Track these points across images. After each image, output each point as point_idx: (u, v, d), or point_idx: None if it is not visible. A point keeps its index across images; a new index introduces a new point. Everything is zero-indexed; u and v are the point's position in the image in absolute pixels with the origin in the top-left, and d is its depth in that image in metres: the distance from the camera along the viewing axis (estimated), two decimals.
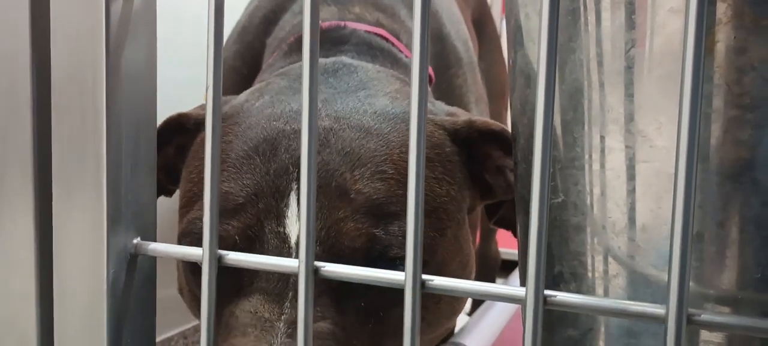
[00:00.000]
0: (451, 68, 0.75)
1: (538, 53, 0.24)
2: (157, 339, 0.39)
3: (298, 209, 0.44)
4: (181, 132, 0.54)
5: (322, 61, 0.55)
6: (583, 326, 0.31)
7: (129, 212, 0.33)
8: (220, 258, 0.31)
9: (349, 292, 0.44)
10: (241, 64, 0.72)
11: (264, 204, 0.44)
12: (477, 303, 1.26)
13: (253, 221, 0.44)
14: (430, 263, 0.47)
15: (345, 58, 0.57)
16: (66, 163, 0.33)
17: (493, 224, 0.60)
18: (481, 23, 1.10)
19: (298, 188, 0.44)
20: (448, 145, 0.50)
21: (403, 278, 0.27)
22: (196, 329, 0.96)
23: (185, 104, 0.62)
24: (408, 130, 0.45)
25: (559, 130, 0.31)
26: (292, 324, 0.42)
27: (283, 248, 0.44)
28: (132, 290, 0.34)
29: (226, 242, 0.44)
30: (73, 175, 0.33)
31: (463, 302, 0.57)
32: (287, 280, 0.43)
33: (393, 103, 0.50)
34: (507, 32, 0.36)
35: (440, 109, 0.55)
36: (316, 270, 0.29)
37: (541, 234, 0.25)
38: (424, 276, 0.27)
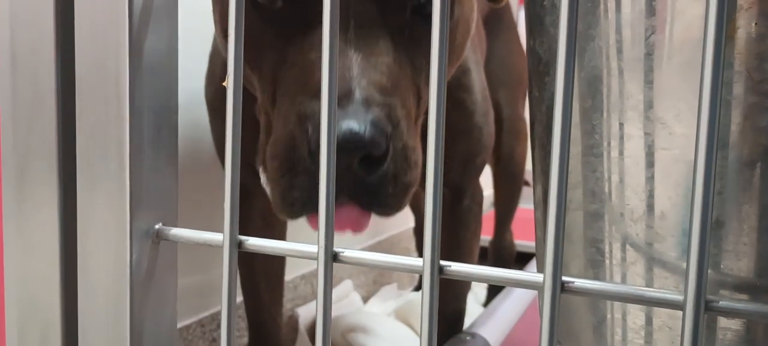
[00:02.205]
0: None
1: (558, 41, 0.24)
2: None
3: None
4: None
5: None
6: (600, 313, 0.31)
7: (151, 198, 0.34)
8: (240, 243, 0.31)
9: (396, 14, 0.49)
10: None
11: None
12: (492, 294, 1.26)
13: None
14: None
15: None
16: (90, 150, 0.33)
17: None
18: (499, 12, 1.10)
19: None
20: None
21: (421, 263, 0.28)
22: (214, 318, 0.97)
23: (199, 93, 0.62)
24: None
25: (577, 118, 0.31)
26: (358, 49, 0.46)
27: None
28: (154, 275, 0.35)
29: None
30: (96, 162, 0.33)
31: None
32: (347, 9, 0.46)
33: None
34: (526, 20, 0.36)
35: None
36: (336, 255, 0.29)
37: (559, 221, 0.25)
38: (442, 262, 0.28)
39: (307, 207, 0.46)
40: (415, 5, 0.50)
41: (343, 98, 0.44)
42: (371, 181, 0.45)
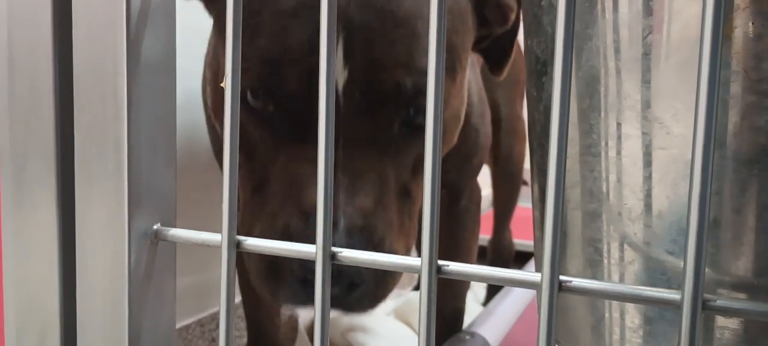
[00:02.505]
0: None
1: (555, 40, 0.24)
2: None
3: (343, 60, 0.49)
4: None
5: None
6: (598, 313, 0.31)
7: (149, 198, 0.34)
8: (238, 243, 0.31)
9: (383, 130, 0.51)
10: None
11: (315, 57, 0.48)
12: (491, 293, 1.26)
13: (305, 74, 0.48)
14: (445, 107, 0.53)
15: None
16: (88, 150, 0.33)
17: (473, 50, 0.64)
18: None
19: (343, 40, 0.49)
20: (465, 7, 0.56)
21: (419, 264, 0.28)
22: (213, 318, 0.97)
23: (197, 93, 0.62)
24: None
25: (575, 118, 0.31)
26: (346, 172, 0.48)
27: (336, 99, 0.47)
28: (152, 275, 0.35)
29: (283, 91, 0.48)
30: (94, 162, 0.33)
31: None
32: (339, 128, 0.48)
33: None
34: (523, 19, 0.36)
35: None
36: (334, 255, 0.29)
37: (556, 220, 0.25)
38: (440, 262, 0.28)
39: (294, 301, 0.49)
40: (404, 119, 0.51)
41: None
42: (350, 298, 0.49)
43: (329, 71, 0.28)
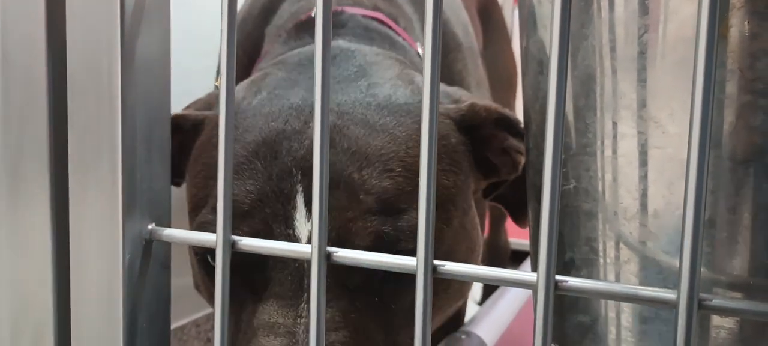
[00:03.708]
0: (451, 53, 0.75)
1: (551, 39, 0.24)
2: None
3: (306, 211, 0.44)
4: (179, 131, 0.52)
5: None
6: (594, 312, 0.31)
7: (144, 198, 0.34)
8: (233, 243, 0.31)
9: (361, 286, 0.45)
10: (241, 54, 0.71)
11: (271, 209, 0.44)
12: (487, 292, 1.27)
13: (260, 226, 0.44)
14: (438, 252, 0.47)
15: (342, 42, 0.57)
16: (82, 151, 0.33)
17: (491, 200, 0.61)
18: (488, 11, 1.10)
19: (303, 190, 0.44)
20: (454, 135, 0.51)
21: (414, 263, 0.28)
22: (208, 318, 0.97)
23: (197, 93, 0.62)
24: (413, 122, 0.48)
25: (571, 117, 0.31)
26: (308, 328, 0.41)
27: None
28: (147, 275, 0.35)
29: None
30: (89, 162, 0.33)
31: (470, 285, 0.58)
32: (300, 282, 0.43)
33: (396, 92, 0.50)
34: (519, 18, 0.36)
35: (442, 92, 0.55)
36: (329, 256, 0.29)
37: (552, 219, 0.25)
38: (436, 262, 0.28)
39: None
40: (383, 275, 0.45)
41: None
42: None
43: (325, 72, 0.28)
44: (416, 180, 0.42)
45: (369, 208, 0.44)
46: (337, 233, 0.43)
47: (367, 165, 0.45)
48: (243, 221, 0.44)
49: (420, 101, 0.49)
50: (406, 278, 0.44)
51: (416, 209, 0.41)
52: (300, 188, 0.44)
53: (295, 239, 0.44)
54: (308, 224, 0.44)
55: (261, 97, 0.50)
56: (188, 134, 0.53)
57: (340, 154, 0.45)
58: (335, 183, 0.44)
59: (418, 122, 0.48)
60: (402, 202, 0.45)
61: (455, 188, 0.49)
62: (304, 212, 0.44)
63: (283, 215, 0.44)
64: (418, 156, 0.45)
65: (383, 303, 0.46)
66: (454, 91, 0.56)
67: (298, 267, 0.44)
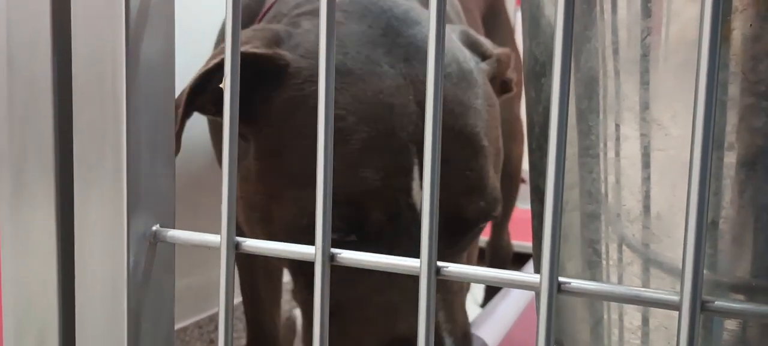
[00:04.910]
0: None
1: (554, 42, 0.24)
2: None
3: (421, 185, 0.50)
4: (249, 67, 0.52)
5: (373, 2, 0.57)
6: (597, 314, 0.31)
7: (148, 199, 0.34)
8: (237, 245, 0.31)
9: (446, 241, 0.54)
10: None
11: (397, 183, 0.51)
12: (490, 295, 1.26)
13: (389, 197, 0.51)
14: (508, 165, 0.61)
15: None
16: (87, 151, 0.33)
17: None
18: (493, 12, 1.10)
19: (418, 163, 0.52)
20: (494, 94, 0.60)
21: (418, 264, 0.28)
22: (211, 319, 0.97)
23: None
24: (481, 92, 0.56)
25: (574, 119, 0.31)
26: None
27: (416, 217, 0.51)
28: (151, 277, 0.35)
29: (372, 222, 0.51)
30: (93, 163, 0.33)
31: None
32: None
33: (460, 57, 0.56)
34: (522, 21, 0.36)
35: (466, 46, 0.61)
36: (333, 256, 0.29)
37: (555, 222, 0.25)
38: (439, 263, 0.28)
39: None
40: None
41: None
42: None
43: (328, 75, 0.28)
44: (493, 151, 0.55)
45: (472, 185, 0.53)
46: (449, 208, 0.51)
47: (468, 144, 0.53)
48: (376, 195, 0.50)
49: (477, 63, 0.58)
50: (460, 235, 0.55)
51: (497, 180, 0.55)
52: (416, 161, 0.51)
53: (415, 207, 0.51)
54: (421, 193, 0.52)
55: (352, 59, 0.53)
56: (266, 76, 0.54)
57: (447, 141, 0.51)
58: (445, 161, 0.50)
59: (483, 91, 0.56)
60: (490, 176, 0.54)
61: (498, 133, 0.58)
62: (420, 184, 0.52)
63: (405, 187, 0.51)
64: (495, 129, 0.57)
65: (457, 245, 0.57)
66: (468, 36, 0.62)
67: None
